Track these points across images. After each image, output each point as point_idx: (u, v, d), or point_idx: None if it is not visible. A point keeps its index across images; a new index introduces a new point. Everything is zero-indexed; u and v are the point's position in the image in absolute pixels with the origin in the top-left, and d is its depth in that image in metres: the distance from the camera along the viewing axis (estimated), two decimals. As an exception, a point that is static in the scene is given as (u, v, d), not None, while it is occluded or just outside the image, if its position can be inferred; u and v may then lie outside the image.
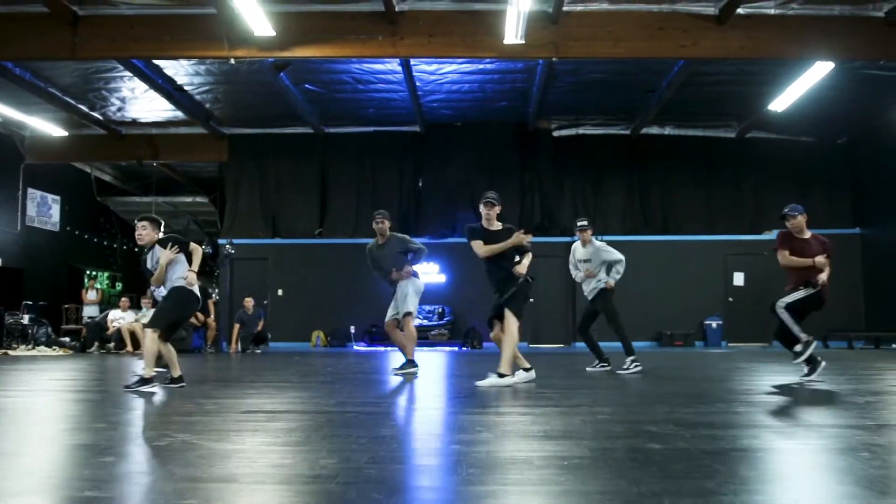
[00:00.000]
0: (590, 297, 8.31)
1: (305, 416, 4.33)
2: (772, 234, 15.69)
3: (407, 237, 8.00)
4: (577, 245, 8.42)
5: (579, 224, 8.37)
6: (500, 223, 6.52)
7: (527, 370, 6.44)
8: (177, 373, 6.18)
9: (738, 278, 16.71)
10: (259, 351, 13.68)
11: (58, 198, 18.62)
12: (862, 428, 3.73)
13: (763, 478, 2.53)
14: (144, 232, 6.25)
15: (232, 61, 11.33)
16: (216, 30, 11.01)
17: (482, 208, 6.42)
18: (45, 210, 18.13)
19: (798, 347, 6.39)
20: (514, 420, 4.14)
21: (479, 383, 6.03)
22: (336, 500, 2.25)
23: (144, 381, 5.88)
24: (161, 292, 6.52)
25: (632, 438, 3.39)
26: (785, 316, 6.50)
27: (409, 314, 7.49)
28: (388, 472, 2.71)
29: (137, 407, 4.87)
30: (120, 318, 13.38)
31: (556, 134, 17.15)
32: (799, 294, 6.54)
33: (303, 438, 3.44)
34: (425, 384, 6.58)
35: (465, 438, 3.41)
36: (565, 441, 3.33)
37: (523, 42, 10.67)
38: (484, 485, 2.48)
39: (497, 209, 6.42)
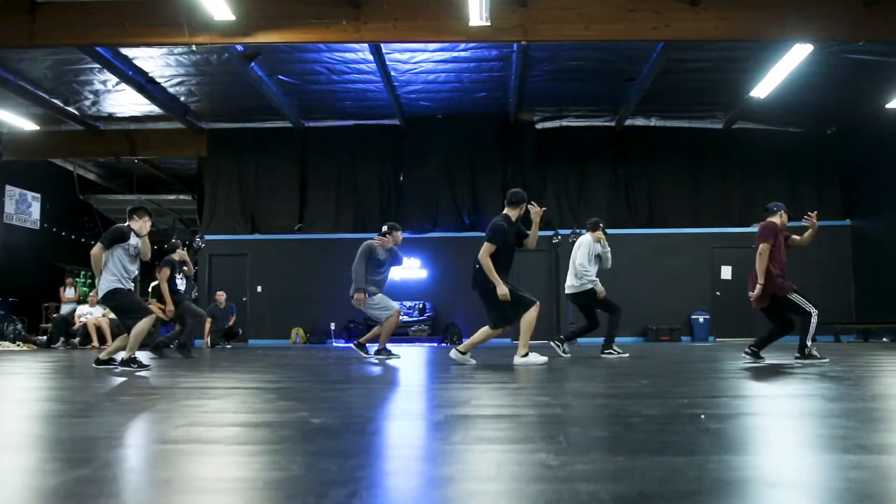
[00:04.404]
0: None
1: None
2: (758, 228, 15.31)
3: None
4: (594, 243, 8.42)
5: (597, 222, 8.52)
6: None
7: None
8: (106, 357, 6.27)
9: (726, 272, 16.32)
10: (230, 346, 13.40)
11: (38, 195, 18.41)
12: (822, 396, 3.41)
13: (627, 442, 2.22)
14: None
15: (193, 48, 11.09)
16: (176, 15, 10.77)
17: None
18: (24, 208, 17.92)
19: (815, 352, 6.39)
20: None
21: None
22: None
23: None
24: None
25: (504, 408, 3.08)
26: (815, 320, 6.36)
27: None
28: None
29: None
30: (87, 314, 13.14)
31: (539, 126, 16.84)
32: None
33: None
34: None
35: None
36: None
37: (489, 24, 10.35)
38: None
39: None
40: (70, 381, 5.01)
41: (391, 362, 7.57)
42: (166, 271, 9.06)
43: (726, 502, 1.39)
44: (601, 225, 8.50)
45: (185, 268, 9.47)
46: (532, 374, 5.30)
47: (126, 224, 6.69)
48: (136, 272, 6.75)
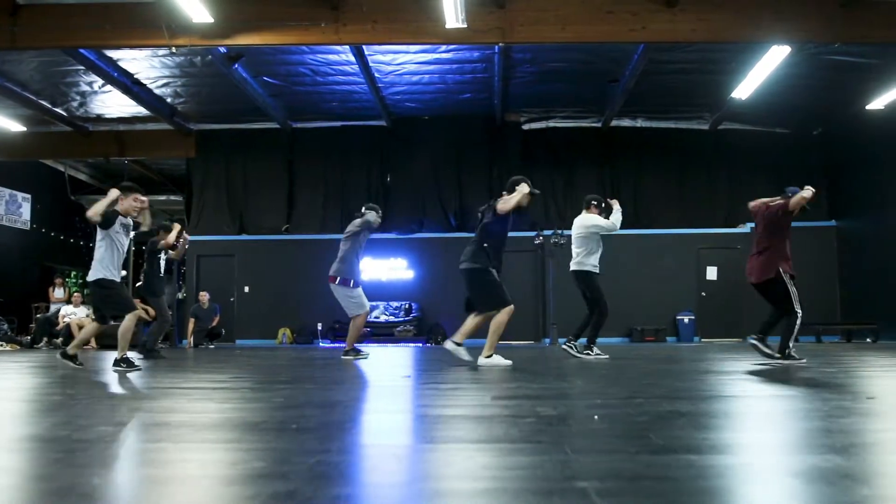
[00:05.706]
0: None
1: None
2: (745, 228, 15.36)
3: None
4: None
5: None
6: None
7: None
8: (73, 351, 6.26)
9: (711, 272, 16.36)
10: (212, 346, 13.47)
11: (28, 196, 18.53)
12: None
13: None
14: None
15: (173, 49, 11.16)
16: (156, 17, 10.84)
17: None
18: (14, 208, 18.03)
19: (794, 353, 6.38)
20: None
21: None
22: None
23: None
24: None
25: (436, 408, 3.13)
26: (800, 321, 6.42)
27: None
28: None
29: None
30: (71, 314, 13.22)
31: (525, 127, 16.89)
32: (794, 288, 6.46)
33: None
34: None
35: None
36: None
37: (466, 26, 10.40)
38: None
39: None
40: (9, 381, 5.08)
41: (360, 362, 7.61)
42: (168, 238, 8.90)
43: (513, 497, 1.43)
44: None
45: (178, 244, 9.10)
46: (487, 374, 5.34)
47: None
48: (124, 254, 6.30)
